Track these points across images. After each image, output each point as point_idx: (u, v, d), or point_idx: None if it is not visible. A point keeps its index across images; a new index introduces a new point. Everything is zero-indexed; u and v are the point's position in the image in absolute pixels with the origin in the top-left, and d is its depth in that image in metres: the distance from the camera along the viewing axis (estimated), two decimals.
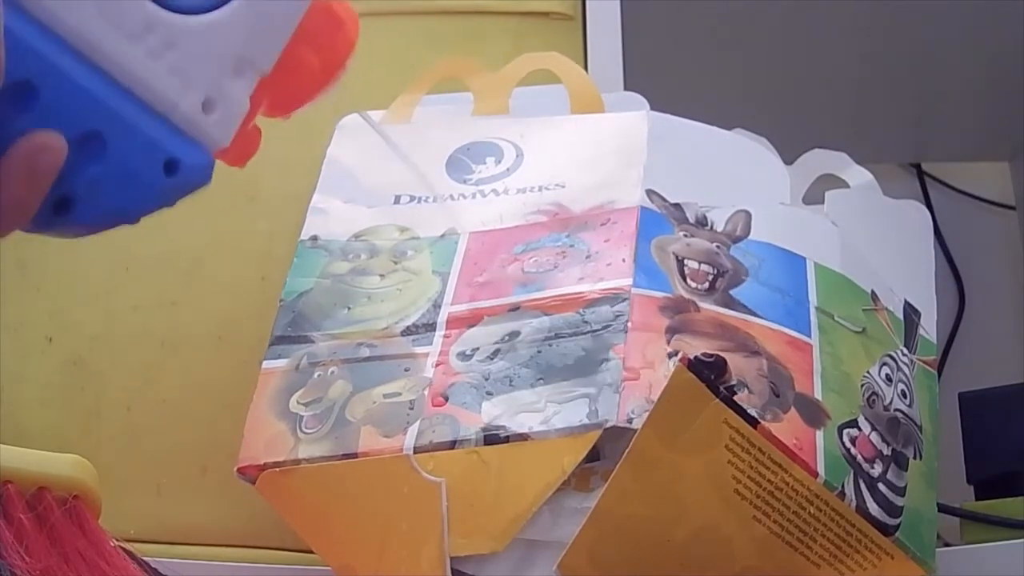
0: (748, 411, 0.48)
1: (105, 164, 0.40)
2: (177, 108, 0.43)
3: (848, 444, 0.52)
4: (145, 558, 0.54)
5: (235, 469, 0.53)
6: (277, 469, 0.53)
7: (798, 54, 0.94)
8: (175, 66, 0.43)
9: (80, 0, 0.40)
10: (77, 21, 0.40)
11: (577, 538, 0.50)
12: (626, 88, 0.69)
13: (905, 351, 0.58)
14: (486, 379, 0.53)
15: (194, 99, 0.43)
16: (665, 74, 0.79)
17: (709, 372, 0.47)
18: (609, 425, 0.50)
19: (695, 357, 0.47)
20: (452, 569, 0.51)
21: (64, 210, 0.41)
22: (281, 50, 0.47)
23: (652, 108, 0.65)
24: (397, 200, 0.62)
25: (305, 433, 0.53)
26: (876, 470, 0.52)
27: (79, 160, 0.40)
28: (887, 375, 0.56)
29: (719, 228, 0.59)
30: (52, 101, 0.39)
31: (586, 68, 0.70)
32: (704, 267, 0.56)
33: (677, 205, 0.59)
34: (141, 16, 0.41)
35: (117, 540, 0.52)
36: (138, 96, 0.42)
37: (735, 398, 0.48)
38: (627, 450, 0.48)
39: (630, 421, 0.50)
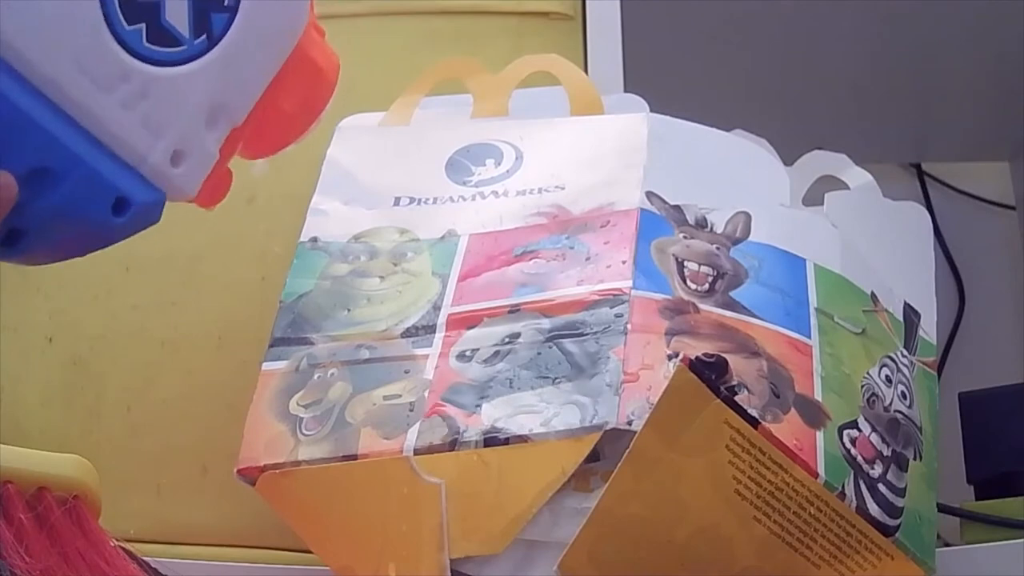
0: (749, 411, 0.48)
1: (55, 200, 0.40)
2: (145, 160, 0.43)
3: (848, 445, 0.52)
4: (145, 558, 0.54)
5: (235, 471, 0.53)
6: (277, 471, 0.53)
7: (798, 54, 0.94)
8: (147, 116, 0.42)
9: (56, 51, 0.40)
10: (53, 71, 0.40)
11: (577, 538, 0.50)
12: (626, 89, 0.69)
13: (905, 352, 0.58)
14: (486, 381, 0.53)
15: (163, 150, 0.43)
16: (665, 75, 0.79)
17: (710, 372, 0.47)
18: (609, 427, 0.50)
19: (696, 357, 0.47)
20: (452, 570, 0.51)
21: (13, 241, 0.41)
22: (256, 101, 0.47)
23: (652, 109, 0.65)
24: (397, 202, 0.62)
25: (305, 435, 0.53)
26: (876, 471, 0.52)
27: (30, 194, 0.40)
28: (887, 376, 0.56)
29: (719, 230, 0.59)
30: (5, 136, 0.39)
31: (586, 69, 0.70)
32: (704, 269, 0.56)
33: (677, 207, 0.59)
34: (116, 67, 0.41)
35: (117, 540, 0.52)
36: (106, 145, 0.42)
37: (736, 399, 0.48)
38: (628, 450, 0.48)
39: (630, 423, 0.50)
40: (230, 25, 0.45)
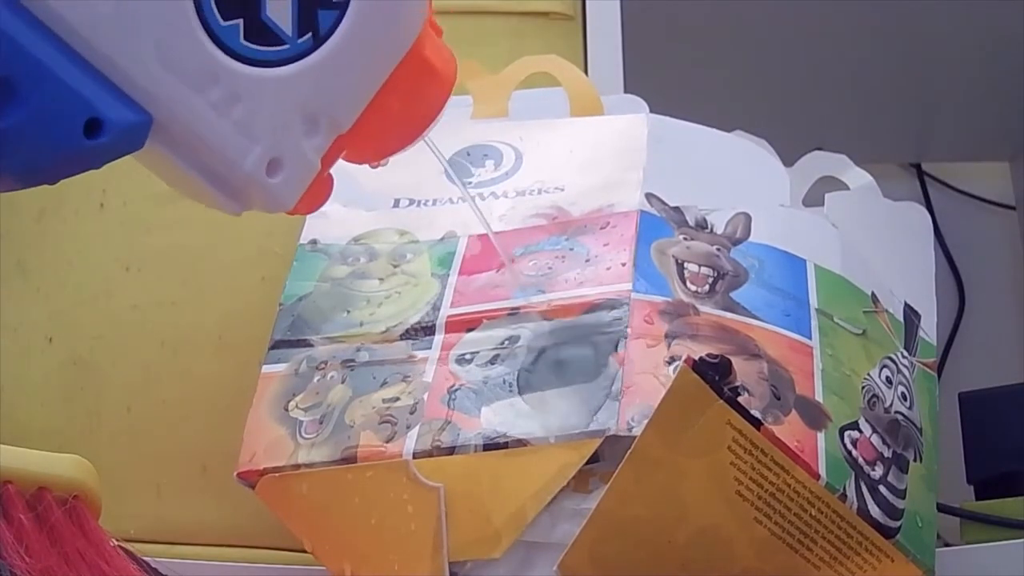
0: (751, 413, 0.48)
1: (15, 116, 0.35)
2: (239, 167, 0.39)
3: (849, 446, 0.52)
4: (145, 558, 0.54)
5: (235, 474, 0.53)
6: (276, 474, 0.53)
7: (798, 54, 0.94)
8: (241, 121, 0.38)
9: (137, 41, 0.36)
10: (132, 63, 0.36)
11: (578, 539, 0.49)
12: (626, 89, 0.69)
13: (905, 353, 0.58)
14: (485, 384, 0.53)
15: (258, 158, 0.39)
16: (665, 75, 0.79)
17: (713, 373, 0.47)
18: (609, 433, 0.50)
19: (700, 358, 0.47)
20: (451, 573, 0.51)
21: None
22: (364, 106, 0.42)
23: (651, 109, 0.65)
24: (396, 203, 0.62)
25: (304, 438, 0.53)
26: (877, 472, 0.52)
27: None
28: (887, 377, 0.56)
29: (719, 231, 0.59)
30: None
31: (586, 69, 0.70)
32: (704, 270, 0.56)
33: (677, 208, 0.59)
34: (207, 65, 0.38)
35: (117, 540, 0.52)
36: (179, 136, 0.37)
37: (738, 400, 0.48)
38: (629, 451, 0.48)
39: (630, 428, 0.49)
40: (339, 24, 0.40)
